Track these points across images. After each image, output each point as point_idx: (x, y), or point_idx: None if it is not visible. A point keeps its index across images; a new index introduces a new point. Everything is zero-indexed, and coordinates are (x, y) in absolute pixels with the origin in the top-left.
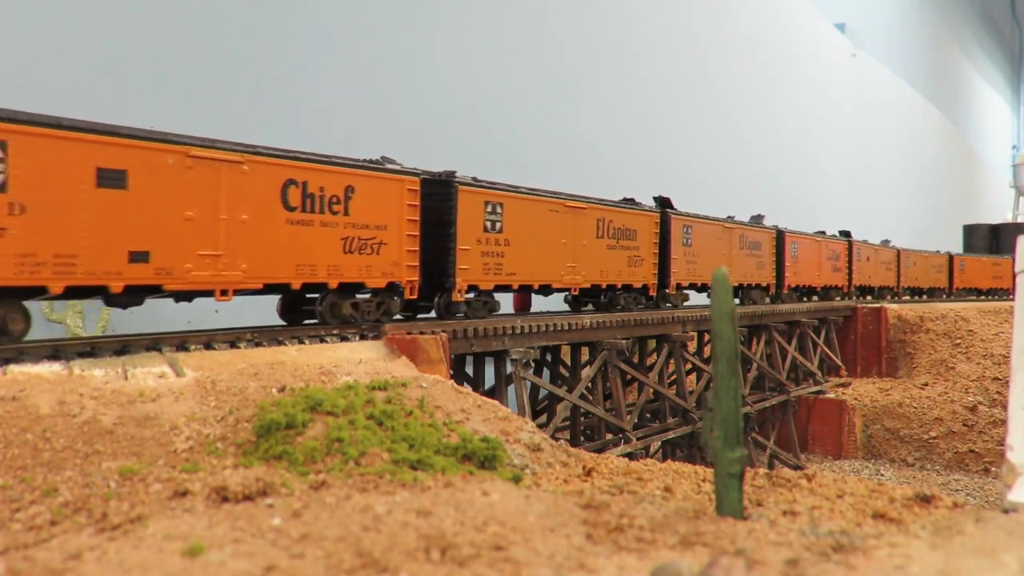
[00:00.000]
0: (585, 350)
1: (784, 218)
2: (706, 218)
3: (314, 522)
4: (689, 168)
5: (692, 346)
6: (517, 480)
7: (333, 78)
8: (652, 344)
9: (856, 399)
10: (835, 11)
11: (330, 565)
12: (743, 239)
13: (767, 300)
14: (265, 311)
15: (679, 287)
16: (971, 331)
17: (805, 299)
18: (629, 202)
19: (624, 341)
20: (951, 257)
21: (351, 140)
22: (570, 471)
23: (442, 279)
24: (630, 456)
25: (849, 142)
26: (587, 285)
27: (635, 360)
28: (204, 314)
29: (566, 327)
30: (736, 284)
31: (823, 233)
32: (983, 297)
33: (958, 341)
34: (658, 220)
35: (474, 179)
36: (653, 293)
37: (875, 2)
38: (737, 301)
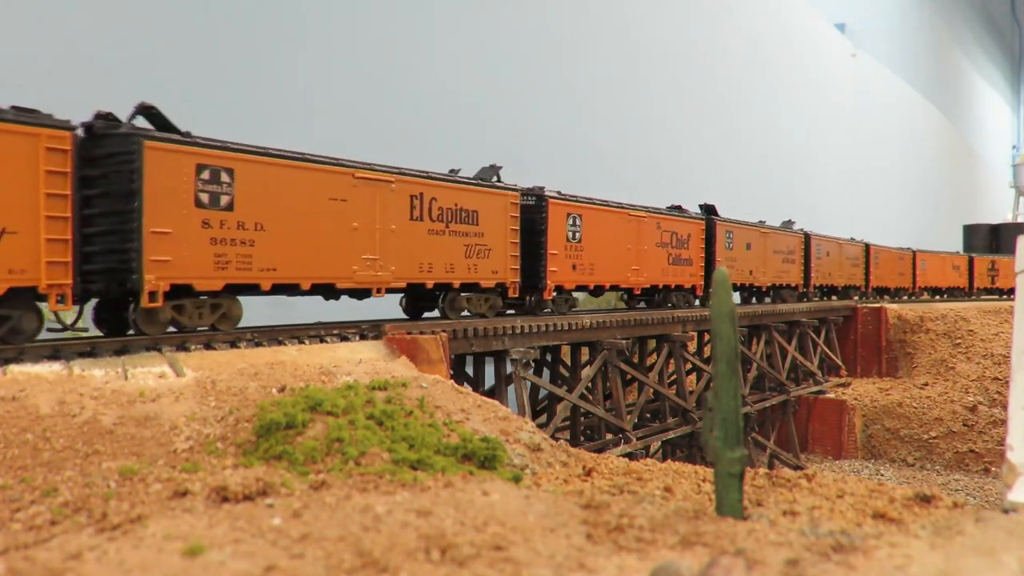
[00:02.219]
0: (585, 350)
1: (783, 218)
2: (310, 161)
3: (314, 522)
4: (689, 168)
5: (692, 346)
6: (517, 480)
7: (333, 78)
8: (652, 344)
9: (856, 399)
10: (835, 11)
11: (330, 565)
12: (437, 210)
13: (509, 311)
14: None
15: (192, 293)
16: (971, 331)
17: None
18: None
19: (624, 341)
20: (867, 247)
21: (351, 140)
22: (570, 471)
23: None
24: (630, 456)
25: (849, 142)
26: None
27: (635, 360)
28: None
29: (566, 327)
30: (414, 281)
31: (679, 208)
32: (894, 299)
33: (958, 341)
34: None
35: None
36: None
37: (875, 2)
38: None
